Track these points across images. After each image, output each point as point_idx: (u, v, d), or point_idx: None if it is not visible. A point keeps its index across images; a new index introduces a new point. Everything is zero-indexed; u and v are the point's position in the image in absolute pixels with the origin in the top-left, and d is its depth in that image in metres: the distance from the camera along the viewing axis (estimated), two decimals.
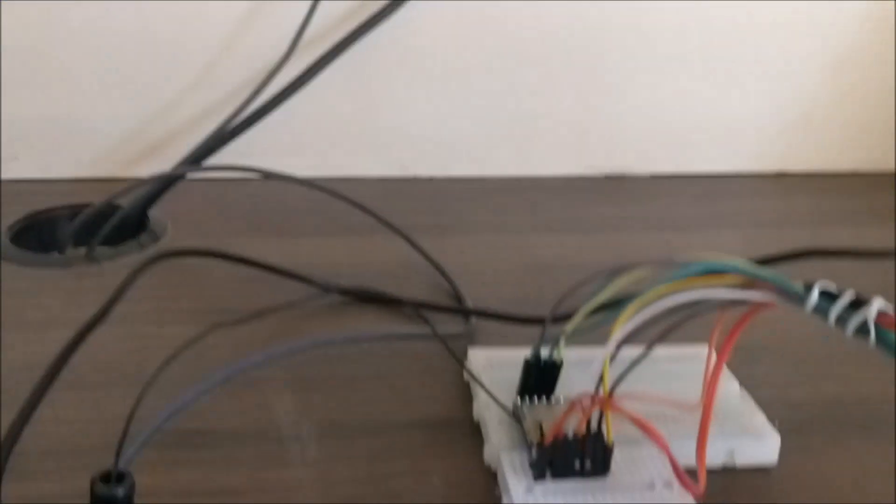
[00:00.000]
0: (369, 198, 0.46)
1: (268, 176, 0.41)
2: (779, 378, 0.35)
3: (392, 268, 0.43)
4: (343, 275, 0.41)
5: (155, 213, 0.47)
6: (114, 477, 0.23)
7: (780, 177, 0.58)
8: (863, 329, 0.23)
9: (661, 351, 0.33)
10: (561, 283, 0.31)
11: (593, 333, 0.28)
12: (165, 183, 0.45)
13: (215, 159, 0.47)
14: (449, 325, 0.37)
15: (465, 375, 0.33)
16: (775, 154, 0.58)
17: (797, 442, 0.30)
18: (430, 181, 0.56)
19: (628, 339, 0.26)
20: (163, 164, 0.49)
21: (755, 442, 0.30)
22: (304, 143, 0.54)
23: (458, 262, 0.43)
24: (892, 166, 0.59)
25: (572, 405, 0.26)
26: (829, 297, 0.24)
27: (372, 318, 0.38)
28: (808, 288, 0.24)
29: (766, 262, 0.32)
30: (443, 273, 0.42)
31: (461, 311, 0.38)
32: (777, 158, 0.58)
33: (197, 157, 0.45)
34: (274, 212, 0.49)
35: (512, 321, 0.37)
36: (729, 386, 0.32)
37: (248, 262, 0.38)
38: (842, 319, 0.24)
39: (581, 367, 0.28)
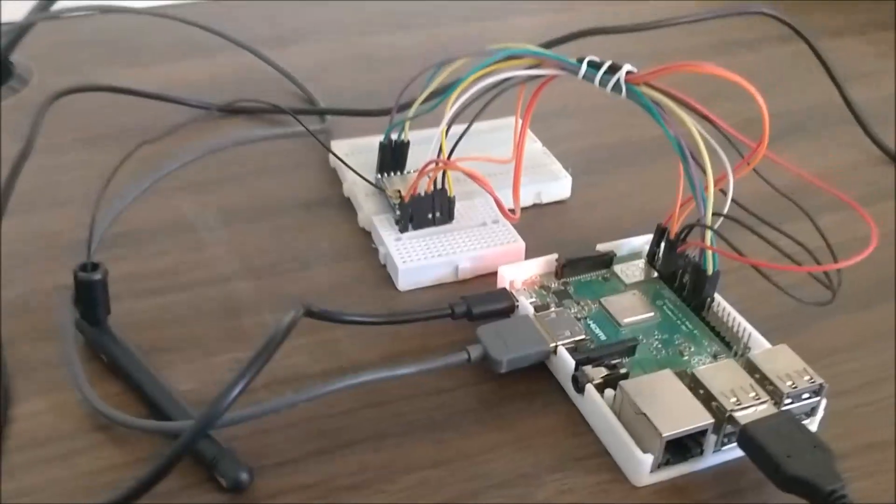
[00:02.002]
0: (205, 19, 0.51)
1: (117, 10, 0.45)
2: (569, 136, 0.45)
3: (245, 81, 0.50)
4: (203, 92, 0.47)
5: (16, 58, 0.50)
6: (89, 266, 0.31)
7: None
8: (616, 87, 0.33)
9: (482, 125, 0.42)
10: (395, 76, 0.38)
11: (429, 117, 0.37)
12: (21, 31, 0.48)
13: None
14: (308, 125, 0.45)
15: (331, 162, 0.42)
16: None
17: (584, 179, 0.41)
18: None
19: (457, 115, 0.35)
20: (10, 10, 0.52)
21: (554, 183, 0.40)
22: None
23: (303, 68, 0.50)
24: None
25: (422, 171, 0.35)
26: (594, 65, 0.33)
27: (243, 126, 0.45)
28: (580, 60, 0.34)
29: (555, 42, 0.41)
30: (293, 80, 0.49)
31: (318, 111, 0.46)
32: None
33: (45, 4, 0.49)
34: (122, 43, 0.54)
35: (361, 114, 0.45)
36: (534, 146, 0.42)
37: (133, 93, 0.44)
38: (603, 81, 0.33)
39: (423, 146, 0.36)
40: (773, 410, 0.27)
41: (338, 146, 0.42)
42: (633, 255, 0.35)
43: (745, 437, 0.26)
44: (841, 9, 0.62)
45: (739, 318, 0.31)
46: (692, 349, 0.31)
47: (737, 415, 0.26)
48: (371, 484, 0.27)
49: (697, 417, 0.26)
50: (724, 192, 0.32)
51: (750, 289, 0.33)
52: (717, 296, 0.32)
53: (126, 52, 0.53)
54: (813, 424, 0.29)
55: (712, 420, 0.27)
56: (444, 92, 0.35)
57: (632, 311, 0.32)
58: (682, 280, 0.33)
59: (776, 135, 0.46)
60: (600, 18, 0.59)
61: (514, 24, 0.58)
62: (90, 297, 0.31)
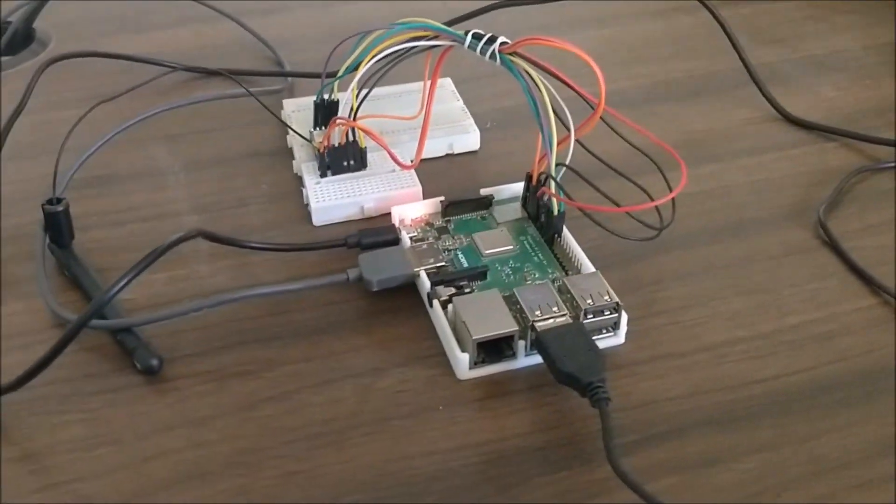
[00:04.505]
0: None
1: None
2: (493, 96, 0.51)
3: (229, 46, 0.57)
4: (191, 57, 0.55)
5: (39, 24, 0.59)
6: (55, 200, 0.38)
7: None
8: (493, 55, 0.39)
9: (413, 85, 0.48)
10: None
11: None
12: (40, 4, 0.57)
13: None
14: (274, 84, 0.52)
15: (282, 117, 0.49)
16: None
17: (497, 134, 0.47)
18: None
19: (364, 80, 0.41)
20: None
21: (465, 136, 0.46)
22: None
23: (280, 36, 0.57)
24: None
25: (332, 123, 0.41)
26: (477, 37, 0.39)
27: (214, 86, 0.53)
28: (466, 33, 0.40)
29: (470, 15, 0.47)
30: (268, 46, 0.56)
31: (280, 73, 0.53)
32: None
33: None
34: (129, 13, 0.62)
35: (313, 76, 0.52)
36: (455, 104, 0.48)
37: (118, 57, 0.52)
38: (483, 50, 0.39)
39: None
40: (570, 322, 0.33)
41: (288, 104, 0.49)
42: (514, 199, 0.42)
43: (538, 340, 0.32)
44: None
45: (578, 251, 0.37)
46: (536, 276, 0.37)
47: (537, 324, 0.33)
48: (253, 372, 0.34)
49: (505, 325, 0.33)
50: (583, 146, 0.38)
51: (602, 230, 0.39)
52: (565, 232, 0.38)
53: (130, 21, 0.61)
54: (619, 337, 0.35)
55: (517, 328, 0.33)
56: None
57: (495, 244, 0.38)
58: (540, 219, 0.39)
59: (685, 94, 0.52)
60: None
61: None
62: (55, 225, 0.39)
